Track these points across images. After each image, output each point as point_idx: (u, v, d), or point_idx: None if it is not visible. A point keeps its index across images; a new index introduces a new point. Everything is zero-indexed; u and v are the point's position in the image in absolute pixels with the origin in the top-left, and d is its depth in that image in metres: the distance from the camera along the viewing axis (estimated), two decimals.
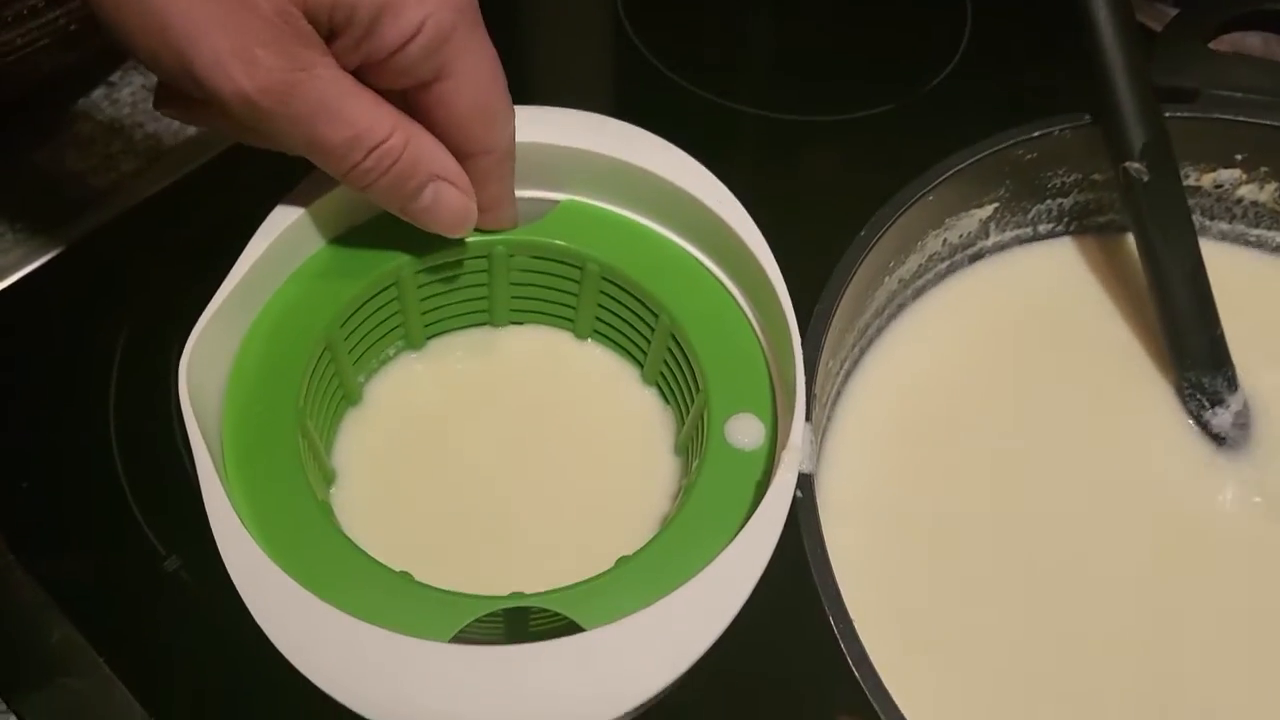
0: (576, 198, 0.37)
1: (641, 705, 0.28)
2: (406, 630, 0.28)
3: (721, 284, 0.36)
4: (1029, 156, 0.39)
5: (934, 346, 0.41)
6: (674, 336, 0.35)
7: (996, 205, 0.40)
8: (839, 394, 0.39)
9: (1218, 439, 0.38)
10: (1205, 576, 0.36)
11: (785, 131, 0.52)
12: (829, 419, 0.38)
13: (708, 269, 0.36)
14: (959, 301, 0.42)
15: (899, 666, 0.30)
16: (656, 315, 0.36)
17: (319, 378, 0.34)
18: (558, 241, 0.36)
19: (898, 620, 0.34)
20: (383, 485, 0.35)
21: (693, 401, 0.35)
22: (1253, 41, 0.49)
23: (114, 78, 0.52)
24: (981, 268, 0.42)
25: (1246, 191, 0.41)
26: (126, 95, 0.51)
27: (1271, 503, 0.38)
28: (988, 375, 0.40)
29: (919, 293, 0.41)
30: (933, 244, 0.40)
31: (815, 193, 0.50)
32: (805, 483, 0.32)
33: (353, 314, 0.35)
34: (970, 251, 0.42)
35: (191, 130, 0.50)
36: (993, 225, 0.41)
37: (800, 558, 0.31)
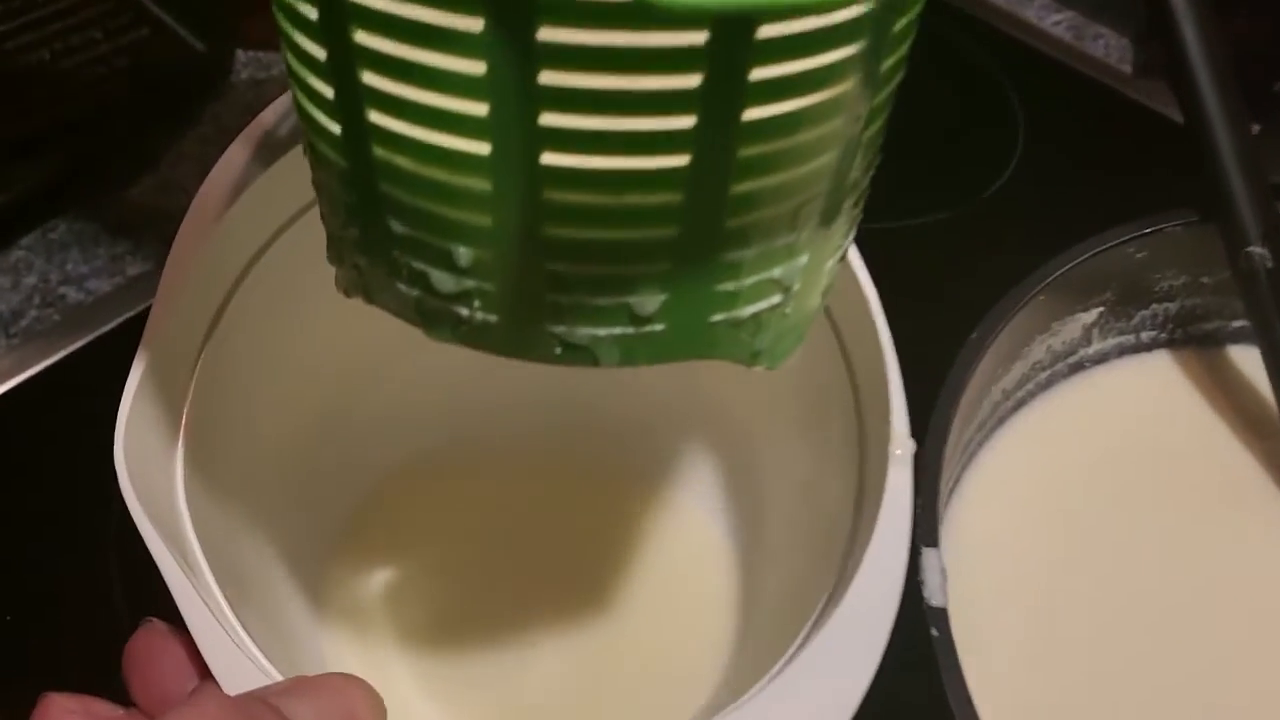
0: None
1: None
2: None
3: None
4: (1139, 255, 0.36)
5: (1034, 461, 0.37)
6: None
7: (1101, 310, 0.37)
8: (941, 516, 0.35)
9: None
10: None
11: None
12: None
13: None
14: (1060, 414, 0.38)
15: None
16: None
17: None
18: None
19: None
20: None
21: None
22: None
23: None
24: (1080, 380, 0.39)
25: None
26: (135, 194, 0.48)
27: None
28: (1089, 492, 0.37)
29: (1019, 404, 0.37)
30: (1037, 350, 0.36)
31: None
32: (938, 617, 0.27)
33: None
34: (1070, 360, 0.38)
35: None
36: (1095, 331, 0.38)
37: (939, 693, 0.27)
